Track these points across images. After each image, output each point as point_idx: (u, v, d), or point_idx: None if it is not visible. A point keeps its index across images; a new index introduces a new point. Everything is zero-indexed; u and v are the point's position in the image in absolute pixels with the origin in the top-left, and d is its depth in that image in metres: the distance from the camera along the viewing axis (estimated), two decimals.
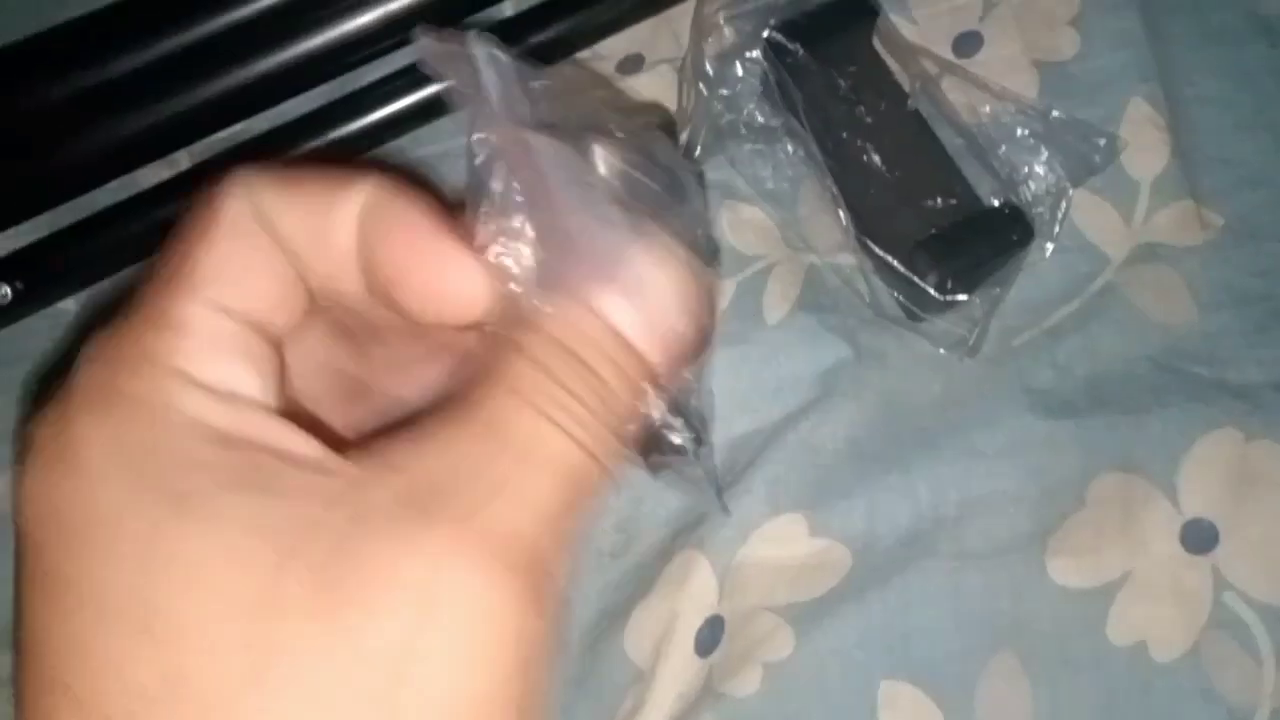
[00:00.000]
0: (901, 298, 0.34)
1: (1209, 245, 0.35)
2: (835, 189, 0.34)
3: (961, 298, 0.32)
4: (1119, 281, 0.35)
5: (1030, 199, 0.34)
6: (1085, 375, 0.34)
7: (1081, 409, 0.33)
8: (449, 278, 0.18)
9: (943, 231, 0.33)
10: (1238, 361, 0.33)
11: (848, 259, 0.36)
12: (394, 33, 0.38)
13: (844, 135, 0.34)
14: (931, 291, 0.32)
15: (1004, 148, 0.34)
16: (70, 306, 0.39)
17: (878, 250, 0.33)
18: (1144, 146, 0.36)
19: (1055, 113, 0.35)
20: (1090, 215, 0.36)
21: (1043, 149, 0.34)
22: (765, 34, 0.34)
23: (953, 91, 0.36)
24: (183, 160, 0.39)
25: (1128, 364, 0.34)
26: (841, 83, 0.34)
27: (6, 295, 0.37)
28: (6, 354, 0.38)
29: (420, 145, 0.39)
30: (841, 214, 0.34)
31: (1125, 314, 0.34)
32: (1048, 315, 0.35)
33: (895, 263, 0.33)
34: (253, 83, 0.38)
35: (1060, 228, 0.34)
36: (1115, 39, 0.37)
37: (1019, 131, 0.34)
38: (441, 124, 0.39)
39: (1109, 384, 0.34)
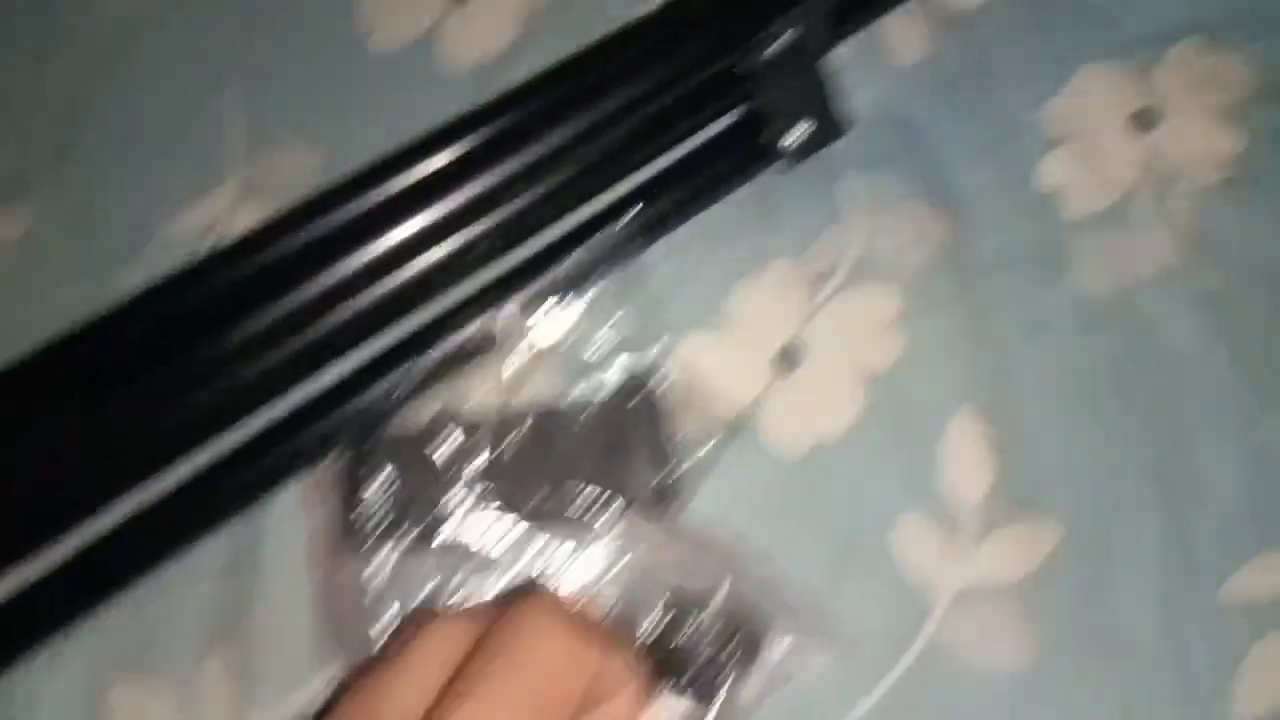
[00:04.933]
0: None
1: (1046, 570, 0.33)
2: None
3: None
4: (944, 636, 0.33)
5: None
6: None
7: None
8: None
9: None
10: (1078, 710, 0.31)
11: None
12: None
13: None
14: None
15: None
16: None
17: None
18: (969, 467, 0.34)
19: None
20: (911, 546, 0.34)
21: None
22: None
23: None
24: None
25: None
26: None
27: None
28: None
29: None
30: None
31: (954, 674, 0.32)
32: (861, 697, 0.32)
33: None
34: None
35: None
36: (940, 338, 0.36)
37: None
38: None
39: None
